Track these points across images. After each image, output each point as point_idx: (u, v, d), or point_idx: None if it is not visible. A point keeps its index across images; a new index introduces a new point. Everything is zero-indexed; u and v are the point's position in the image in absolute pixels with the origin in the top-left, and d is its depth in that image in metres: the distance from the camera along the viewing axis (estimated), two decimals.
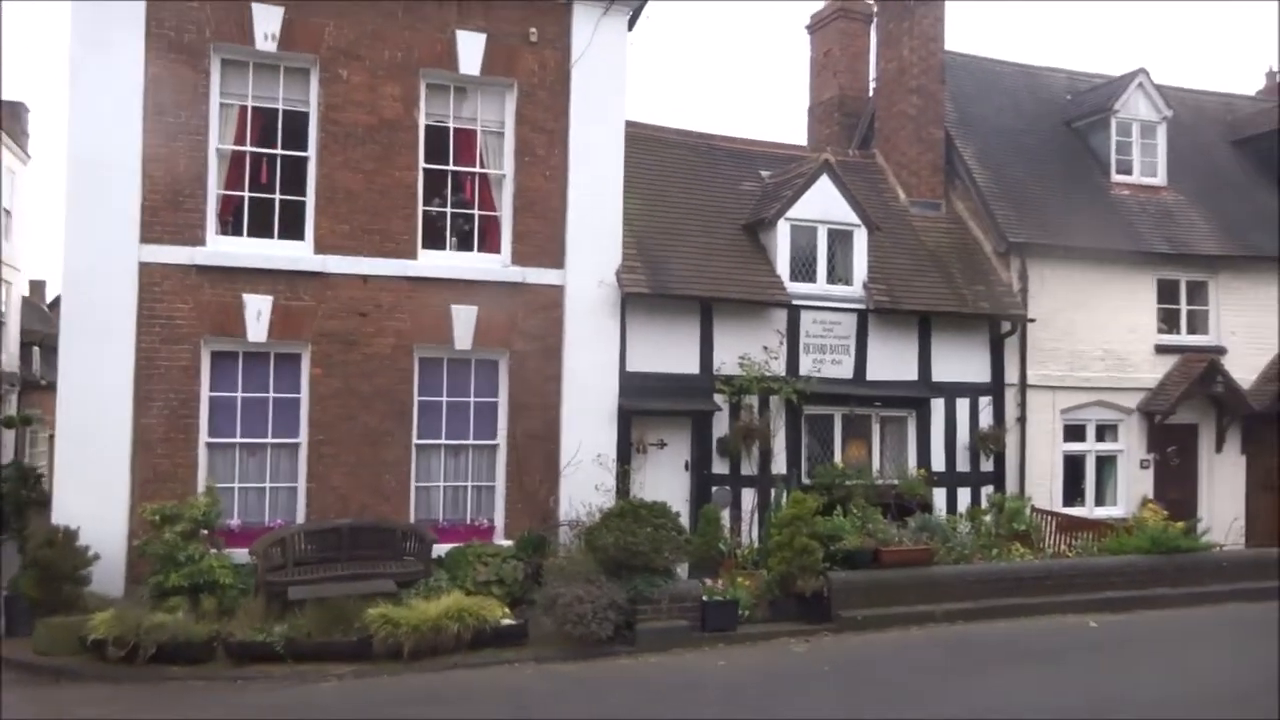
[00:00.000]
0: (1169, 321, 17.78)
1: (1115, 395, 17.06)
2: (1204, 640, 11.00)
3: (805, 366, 15.14)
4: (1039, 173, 18.12)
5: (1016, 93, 19.86)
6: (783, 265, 15.19)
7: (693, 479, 14.64)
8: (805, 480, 15.03)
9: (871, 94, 19.68)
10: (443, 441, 13.40)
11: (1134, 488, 17.11)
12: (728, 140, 17.66)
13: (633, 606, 10.83)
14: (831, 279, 15.53)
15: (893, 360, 15.72)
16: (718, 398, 14.63)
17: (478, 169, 13.71)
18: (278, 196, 12.81)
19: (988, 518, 15.00)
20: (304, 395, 12.78)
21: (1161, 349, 17.40)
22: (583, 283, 13.89)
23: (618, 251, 14.19)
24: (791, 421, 15.07)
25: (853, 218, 15.55)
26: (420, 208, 13.33)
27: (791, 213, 15.24)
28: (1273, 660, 9.81)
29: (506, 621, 10.83)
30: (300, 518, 12.67)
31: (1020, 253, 16.64)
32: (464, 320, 13.33)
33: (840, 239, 15.61)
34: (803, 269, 15.40)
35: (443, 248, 13.57)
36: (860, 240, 15.62)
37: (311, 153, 12.86)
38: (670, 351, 14.50)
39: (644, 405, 14.11)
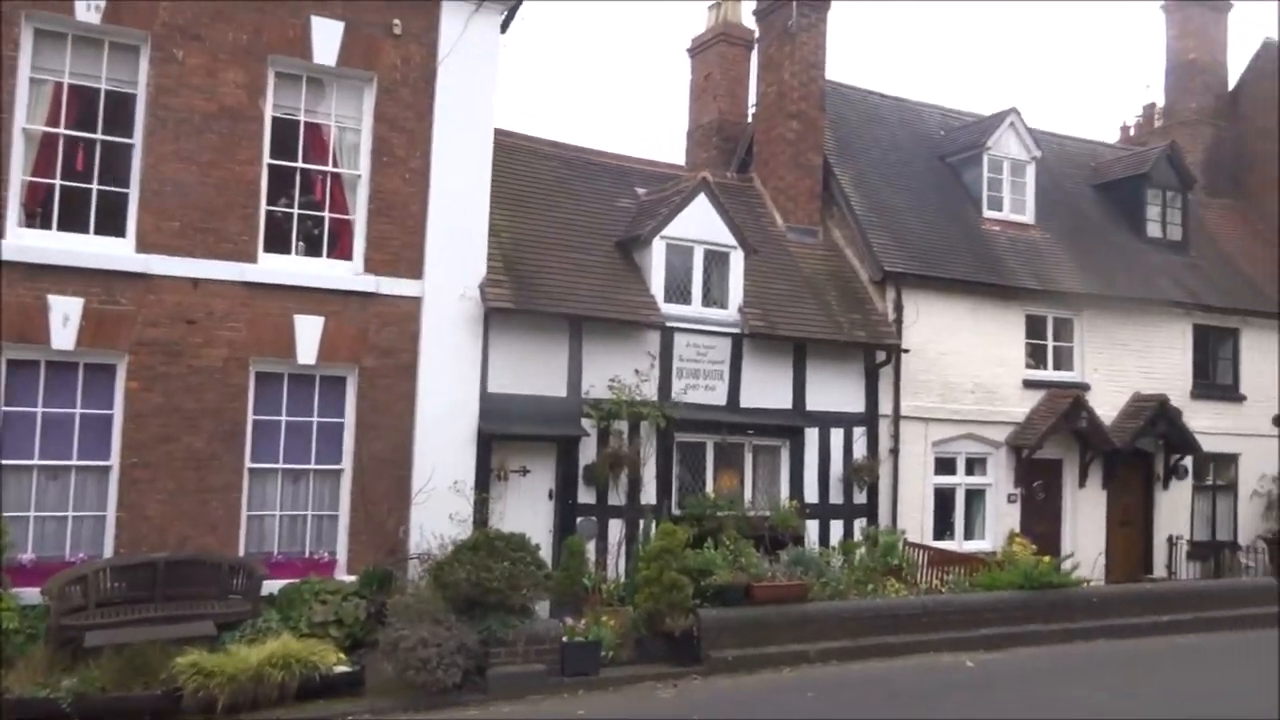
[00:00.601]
0: (1036, 357, 17.87)
1: (985, 428, 16.97)
2: (1079, 678, 10.66)
3: (678, 391, 14.45)
4: (914, 204, 18.04)
5: (893, 125, 19.86)
6: (657, 285, 14.50)
7: (557, 508, 13.72)
8: (676, 511, 14.30)
9: (750, 119, 19.34)
10: (280, 466, 12.10)
11: (1002, 522, 17.02)
12: (603, 155, 16.96)
13: (485, 649, 9.81)
14: (707, 302, 14.92)
15: (767, 388, 15.20)
16: (585, 423, 13.78)
17: (330, 168, 12.55)
18: (95, 187, 11.38)
19: (861, 551, 14.54)
20: (117, 412, 11.31)
21: (1029, 384, 17.44)
22: (443, 295, 12.87)
23: (482, 263, 13.23)
24: (662, 449, 14.33)
25: (730, 239, 15.01)
26: (263, 207, 12.08)
27: (668, 231, 14.59)
28: (1161, 704, 9.56)
29: (341, 669, 9.64)
30: (108, 551, 11.16)
31: (896, 282, 16.43)
32: (308, 332, 12.11)
33: (716, 261, 15.03)
34: (677, 290, 14.74)
35: (287, 251, 12.33)
36: (737, 263, 15.08)
37: (137, 140, 11.50)
38: (536, 372, 13.59)
39: (506, 429, 13.14)
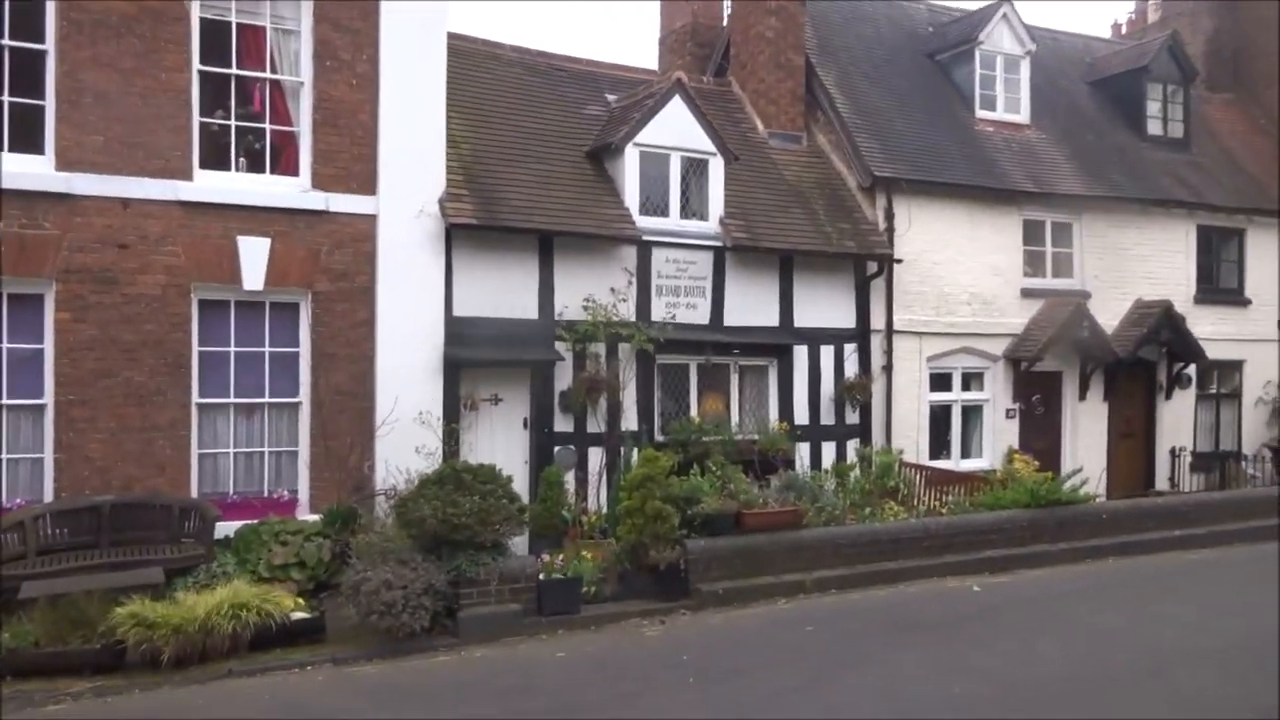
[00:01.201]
0: (1034, 264, 17.03)
1: (981, 341, 16.18)
2: (1093, 601, 9.98)
3: (658, 311, 13.56)
4: (903, 106, 17.00)
5: (877, 22, 18.69)
6: (631, 197, 13.51)
7: (532, 438, 12.91)
8: (659, 437, 13.52)
9: (726, 20, 18.14)
10: (231, 400, 11.23)
11: (1000, 438, 16.34)
12: (570, 61, 15.81)
13: (455, 590, 9.06)
14: (685, 214, 13.96)
15: (753, 304, 14.32)
16: (560, 346, 12.91)
17: (268, 74, 11.45)
18: (6, 99, 10.28)
19: (855, 473, 13.82)
20: (48, 346, 10.38)
21: (1028, 293, 16.61)
22: (399, 212, 11.89)
23: (441, 177, 12.23)
24: (643, 372, 13.49)
25: (708, 145, 13.99)
26: (196, 118, 11.01)
27: (641, 137, 13.55)
28: (1178, 626, 8.91)
29: (299, 615, 8.89)
30: (48, 496, 10.33)
31: (886, 189, 15.47)
32: (254, 255, 11.15)
33: (695, 169, 14.03)
34: (654, 202, 13.77)
35: (227, 168, 11.28)
36: (716, 171, 14.09)
37: (50, 45, 10.36)
38: (504, 294, 12.67)
39: (474, 355, 12.26)
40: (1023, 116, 17.91)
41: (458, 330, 12.29)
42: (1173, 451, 17.92)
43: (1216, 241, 18.82)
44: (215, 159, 11.21)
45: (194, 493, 10.94)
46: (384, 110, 11.81)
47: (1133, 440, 17.81)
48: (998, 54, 17.68)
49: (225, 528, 10.59)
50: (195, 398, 10.97)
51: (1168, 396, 17.96)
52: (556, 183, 13.31)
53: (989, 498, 12.20)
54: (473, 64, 14.44)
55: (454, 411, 12.24)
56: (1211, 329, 18.12)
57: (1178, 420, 18.09)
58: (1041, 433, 16.84)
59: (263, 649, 8.52)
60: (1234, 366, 18.91)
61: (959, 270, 15.96)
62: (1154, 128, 19.36)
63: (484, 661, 8.32)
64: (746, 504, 10.39)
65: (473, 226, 12.17)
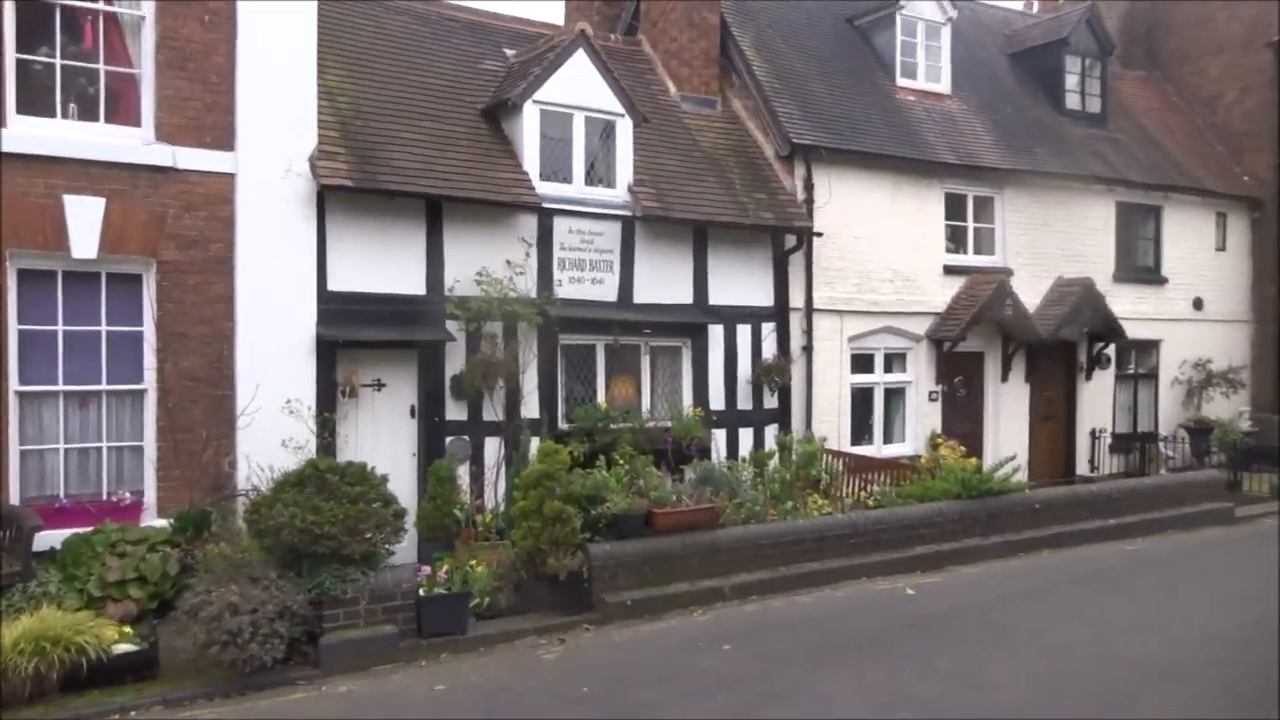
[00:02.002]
0: (956, 240, 16.26)
1: (904, 320, 15.36)
2: (1037, 604, 9.10)
3: (560, 286, 12.30)
4: (823, 71, 16.02)
5: None
6: (531, 160, 12.20)
7: (421, 428, 11.55)
8: (563, 425, 12.31)
9: None
10: (60, 388, 9.61)
11: (923, 422, 15.55)
12: (465, 11, 14.37)
13: (317, 612, 7.70)
14: (591, 180, 12.71)
15: (664, 280, 13.17)
16: (451, 325, 11.56)
17: (101, 5, 9.80)
18: None
19: (774, 461, 12.84)
20: None
21: (950, 270, 15.84)
22: (263, 171, 10.38)
23: (312, 132, 10.75)
24: (545, 354, 12.23)
25: (616, 105, 12.75)
26: (10, 54, 9.32)
27: (542, 94, 12.23)
28: (1134, 634, 8.06)
29: (125, 648, 7.41)
30: None
31: (805, 157, 14.46)
32: (85, 217, 9.52)
33: (601, 131, 12.78)
34: (556, 167, 12.48)
35: (51, 114, 9.61)
36: (624, 133, 12.86)
37: None
38: (388, 266, 11.26)
39: (353, 335, 10.84)
40: (944, 86, 17.12)
41: (333, 307, 10.85)
42: (1093, 433, 17.44)
43: (1135, 219, 18.38)
44: (37, 104, 9.53)
45: (15, 496, 9.32)
46: (243, 53, 10.26)
47: (1054, 423, 17.27)
48: (919, 20, 16.83)
49: (52, 537, 9.01)
50: (14, 385, 9.33)
51: (1088, 377, 17.46)
52: (447, 142, 11.91)
53: (917, 488, 11.31)
54: (353, 9, 12.91)
55: (330, 399, 10.81)
56: (1130, 307, 17.68)
57: (1096, 401, 17.62)
58: (964, 416, 16.14)
59: (79, 690, 7.06)
60: (1151, 346, 18.54)
61: (881, 246, 15.07)
62: (1072, 102, 18.80)
63: (348, 699, 6.99)
64: (658, 502, 9.25)
65: (349, 189, 10.71)
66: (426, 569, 8.43)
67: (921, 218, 15.57)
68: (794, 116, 14.70)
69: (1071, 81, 18.81)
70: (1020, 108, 18.11)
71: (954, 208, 16.13)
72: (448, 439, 11.59)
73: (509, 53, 13.78)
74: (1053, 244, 16.99)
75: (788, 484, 11.31)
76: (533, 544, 8.56)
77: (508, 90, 12.38)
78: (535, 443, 11.88)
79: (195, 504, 9.72)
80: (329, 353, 10.81)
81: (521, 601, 8.95)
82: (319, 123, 10.98)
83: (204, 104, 10.17)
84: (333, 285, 10.89)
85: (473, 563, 8.80)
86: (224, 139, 10.25)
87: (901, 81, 16.70)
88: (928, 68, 17.01)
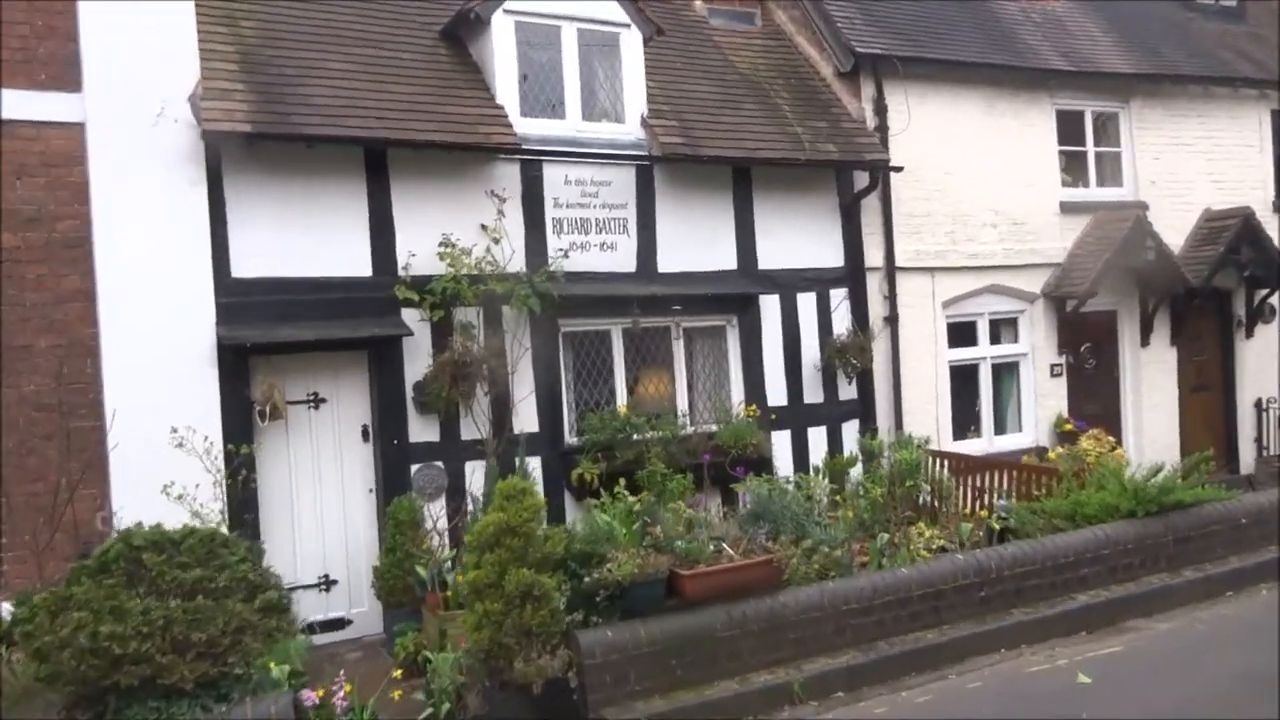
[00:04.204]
0: (1074, 170, 12.81)
1: (1013, 276, 11.99)
2: None
3: (558, 253, 9.26)
4: None
5: None
6: (506, 90, 9.17)
7: (378, 455, 8.64)
8: (571, 439, 9.31)
9: None
10: None
11: (1044, 405, 12.18)
12: None
13: None
14: (590, 114, 9.64)
15: (698, 240, 10.05)
16: (410, 315, 8.61)
17: None
18: None
19: (856, 472, 9.67)
20: None
21: (1069, 207, 12.41)
22: (124, 117, 7.59)
23: (193, 62, 7.89)
24: (543, 346, 9.22)
25: (617, 12, 9.66)
26: None
27: (515, 0, 9.19)
28: None
29: None
30: None
31: (874, 72, 11.19)
32: None
33: (600, 48, 9.70)
34: (542, 98, 9.45)
35: None
36: (632, 50, 9.76)
37: None
38: (316, 240, 8.35)
39: (269, 335, 7.95)
40: None
41: (241, 299, 7.99)
42: (1258, 405, 13.85)
43: None
44: None
45: None
46: None
47: (1207, 394, 13.72)
48: None
49: None
50: None
51: (1249, 334, 13.85)
52: (391, 72, 8.94)
53: (1063, 503, 7.99)
54: None
55: (243, 424, 7.94)
56: None
57: (1261, 363, 13.97)
58: (1095, 393, 12.71)
59: None
60: None
61: (978, 181, 11.72)
62: None
63: None
64: (687, 556, 6.12)
65: (250, 135, 7.81)
66: (313, 696, 5.41)
67: (1028, 143, 12.17)
68: (855, 21, 11.43)
69: None
70: (1139, 3, 14.52)
71: (1068, 129, 12.66)
72: (413, 468, 8.65)
73: None
74: (1195, 168, 13.41)
75: (880, 507, 8.10)
76: (491, 636, 5.54)
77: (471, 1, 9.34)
78: (536, 464, 8.97)
79: (47, 580, 6.91)
80: (238, 362, 7.95)
81: (491, 713, 5.93)
82: (212, 53, 8.16)
83: (34, 29, 7.41)
84: (239, 270, 8.02)
85: (448, 635, 5.84)
86: (65, 75, 7.45)
87: None
88: None
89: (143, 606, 4.76)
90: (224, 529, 7.29)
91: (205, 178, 7.86)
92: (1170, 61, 13.41)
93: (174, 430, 7.36)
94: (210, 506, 7.29)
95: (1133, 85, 12.93)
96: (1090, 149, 12.85)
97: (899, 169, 10.89)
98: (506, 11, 9.15)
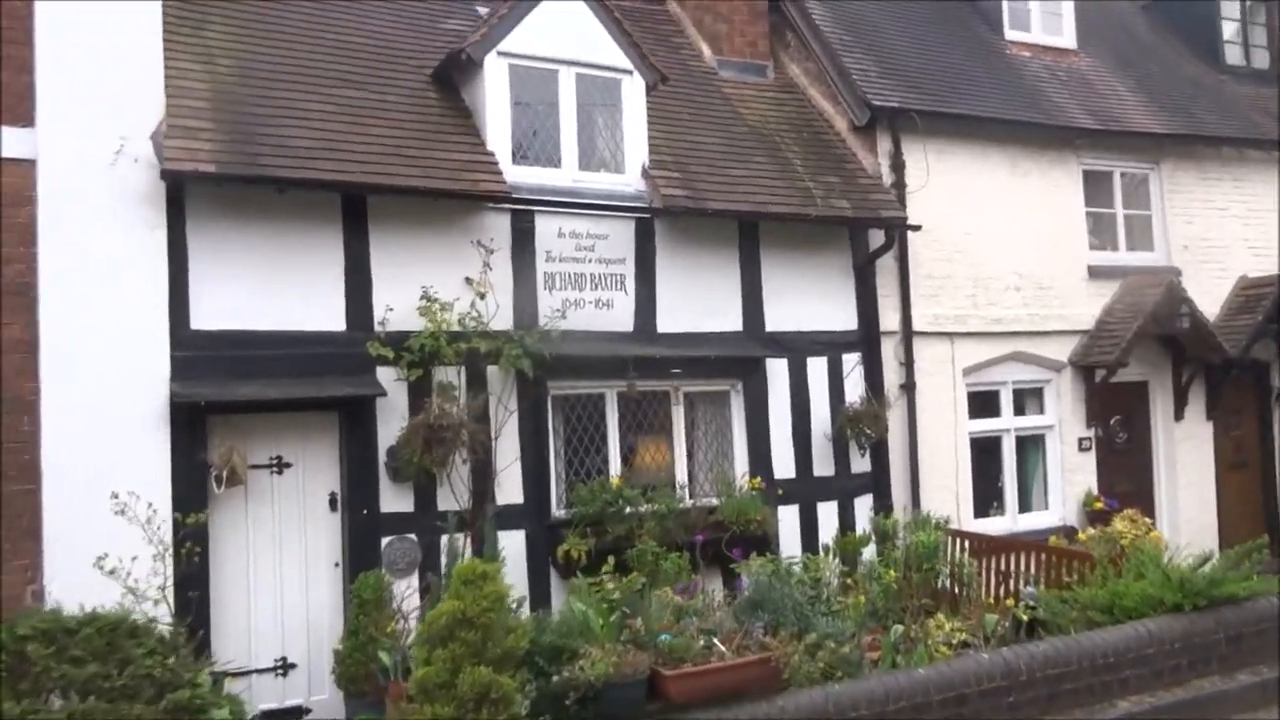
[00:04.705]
0: (1102, 233, 12.17)
1: (1038, 342, 11.28)
2: None
3: (550, 312, 8.61)
4: (905, 22, 12.27)
5: None
6: (498, 136, 8.62)
7: (346, 526, 7.92)
8: (559, 511, 8.58)
9: None
10: None
11: (1072, 480, 11.38)
12: None
13: None
14: (587, 163, 9.07)
15: (700, 298, 9.41)
16: (386, 374, 7.95)
17: None
18: None
19: (869, 552, 8.87)
20: None
21: (1097, 272, 11.74)
22: (79, 154, 7.04)
23: (158, 98, 7.37)
24: (530, 409, 8.54)
25: (619, 57, 9.14)
26: None
27: (511, 43, 8.68)
28: None
29: None
30: None
31: (891, 126, 10.63)
32: None
33: (600, 95, 9.17)
34: (536, 145, 8.90)
35: None
36: (634, 97, 9.22)
37: None
38: (286, 290, 7.75)
39: (228, 393, 7.32)
40: (1067, 39, 13.14)
41: (200, 354, 7.37)
42: None
43: None
44: None
45: None
46: None
47: (1245, 471, 12.89)
48: None
49: None
50: None
51: None
52: (376, 115, 8.41)
53: (1100, 593, 7.17)
54: None
55: (195, 490, 7.25)
56: None
57: None
58: (1127, 469, 11.90)
59: None
60: None
61: (1001, 242, 11.08)
62: (1233, 55, 14.63)
63: None
64: (671, 653, 5.35)
65: (215, 177, 7.25)
66: None
67: (1053, 203, 11.54)
68: (871, 74, 10.91)
69: (1230, 30, 14.66)
70: (1166, 65, 14.02)
71: (1096, 189, 12.05)
72: (384, 540, 7.93)
73: (482, 10, 10.26)
74: (1230, 233, 12.75)
75: (894, 594, 7.30)
76: None
77: (464, 44, 8.82)
78: (520, 538, 8.25)
79: None
80: (194, 422, 7.30)
81: None
82: (181, 90, 7.65)
83: None
84: (199, 322, 7.40)
85: None
86: (18, 109, 6.92)
87: (1012, 34, 12.76)
88: (1045, 17, 13.05)
89: (20, 710, 4.03)
90: (164, 607, 6.58)
91: (165, 221, 7.28)
92: (1202, 122, 12.83)
93: (114, 496, 6.65)
94: (149, 582, 6.56)
95: (1164, 146, 12.33)
96: (1119, 211, 12.21)
97: (916, 228, 10.25)
98: (500, 54, 8.64)
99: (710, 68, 11.25)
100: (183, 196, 7.38)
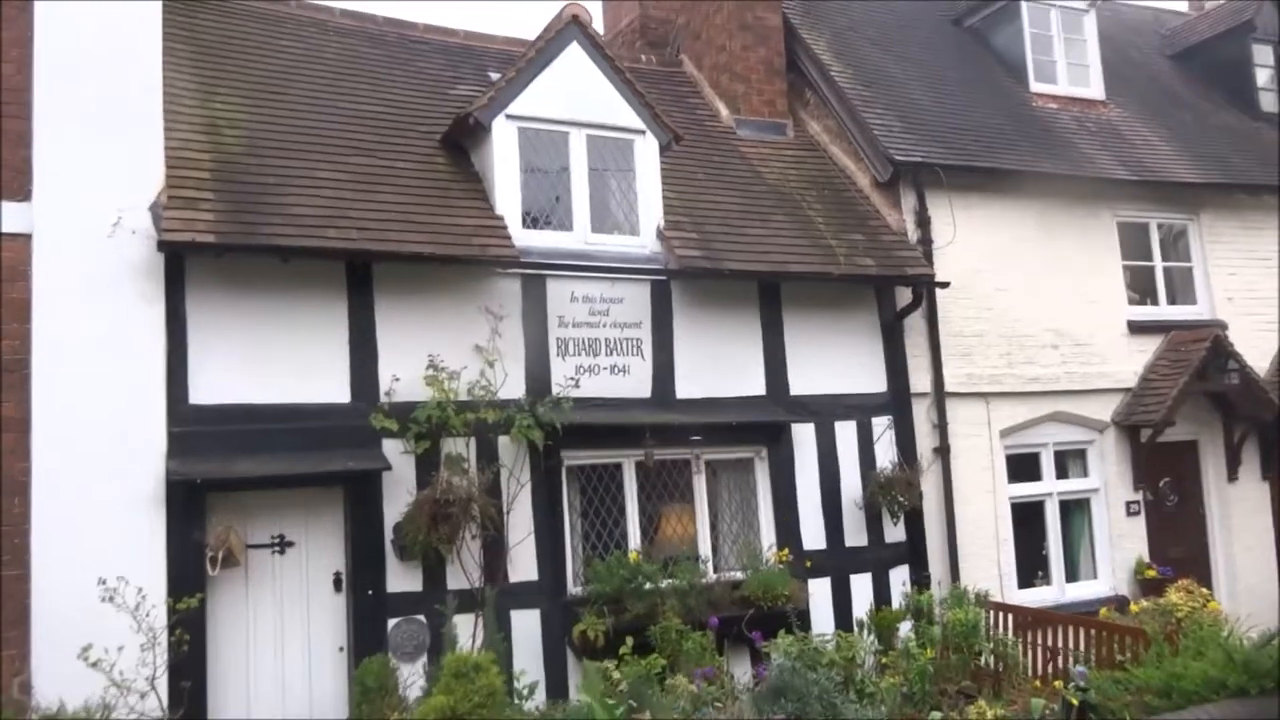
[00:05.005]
0: (1141, 287, 11.71)
1: (1079, 401, 10.78)
2: None
3: (563, 380, 8.30)
4: (926, 77, 12.02)
5: None
6: (507, 200, 8.40)
7: (351, 607, 7.55)
8: (574, 589, 8.16)
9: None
10: None
11: (1120, 547, 10.78)
12: (443, 33, 10.84)
13: None
14: (600, 225, 8.82)
15: (721, 363, 9.06)
16: (392, 446, 7.65)
17: None
18: None
19: (907, 630, 8.34)
20: None
21: (1137, 327, 11.26)
22: (77, 227, 6.91)
23: (158, 169, 7.23)
24: (543, 481, 8.18)
25: (630, 117, 8.94)
26: None
27: (520, 105, 8.51)
28: None
29: None
30: None
31: (915, 182, 10.32)
32: None
33: (612, 155, 8.96)
34: (546, 209, 8.68)
35: None
36: (647, 157, 9.00)
37: None
38: (288, 362, 7.49)
39: (226, 470, 7.03)
40: (1095, 90, 12.83)
41: (198, 429, 7.10)
42: None
43: None
44: None
45: None
46: (45, 57, 6.90)
47: None
48: (1053, 7, 12.70)
49: None
50: None
51: None
52: (383, 181, 8.23)
53: (1157, 674, 6.61)
54: (274, 29, 9.59)
55: (191, 573, 6.92)
56: None
57: None
58: (1178, 534, 11.27)
59: None
60: None
61: (1035, 298, 10.66)
62: (1268, 102, 14.22)
63: None
64: None
65: (212, 246, 7.06)
66: None
67: (1089, 258, 11.14)
68: (894, 129, 10.64)
69: (1264, 77, 14.29)
70: (1199, 114, 13.65)
71: (1133, 243, 11.63)
72: (391, 622, 7.54)
73: (494, 76, 10.14)
74: (1276, 284, 12.23)
75: (930, 676, 6.78)
76: None
77: (472, 107, 8.66)
78: (534, 618, 7.86)
79: None
80: (191, 500, 7.00)
81: None
82: (183, 161, 7.50)
83: None
84: (197, 396, 7.15)
85: None
86: (16, 183, 6.79)
87: (1037, 86, 12.47)
88: (1071, 69, 12.77)
89: None
90: (153, 699, 6.25)
91: (164, 294, 7.09)
92: (1241, 170, 12.42)
93: (102, 581, 6.33)
94: (137, 672, 6.23)
95: (1201, 195, 11.92)
96: (1158, 263, 11.77)
97: (945, 284, 9.88)
98: (509, 117, 8.46)
99: (728, 127, 11.05)
100: (182, 268, 7.20)
